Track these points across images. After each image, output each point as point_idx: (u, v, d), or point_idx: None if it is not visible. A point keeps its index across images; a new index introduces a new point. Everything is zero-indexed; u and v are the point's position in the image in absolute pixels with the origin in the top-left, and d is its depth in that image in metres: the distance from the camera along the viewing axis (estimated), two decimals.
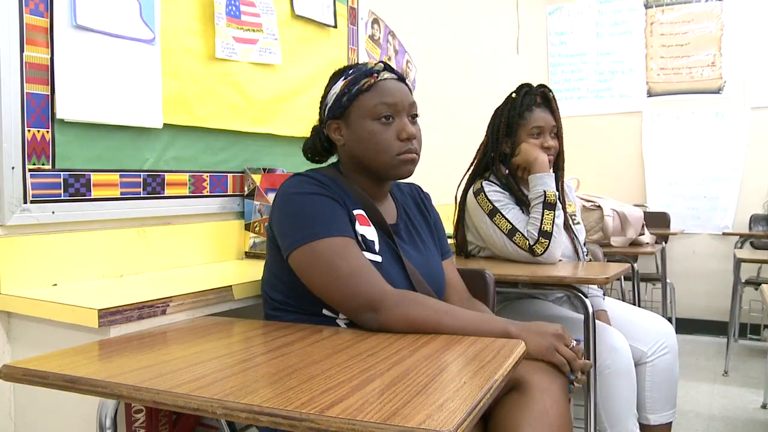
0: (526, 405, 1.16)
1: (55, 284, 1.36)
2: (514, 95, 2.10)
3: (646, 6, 4.62)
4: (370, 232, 1.29)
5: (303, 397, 0.74)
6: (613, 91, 4.75)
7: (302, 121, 2.04)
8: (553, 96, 2.08)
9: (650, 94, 4.62)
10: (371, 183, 1.36)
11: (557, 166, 2.10)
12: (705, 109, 4.47)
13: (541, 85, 2.09)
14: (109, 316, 1.09)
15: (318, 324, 1.23)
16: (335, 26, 2.24)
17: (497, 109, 2.15)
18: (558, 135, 2.08)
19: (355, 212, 1.29)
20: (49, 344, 1.21)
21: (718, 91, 4.44)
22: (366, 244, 1.27)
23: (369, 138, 1.28)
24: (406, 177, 1.33)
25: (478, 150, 2.20)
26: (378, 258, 1.27)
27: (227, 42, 1.76)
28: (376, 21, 2.59)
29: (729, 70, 4.41)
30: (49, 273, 1.35)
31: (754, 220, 4.29)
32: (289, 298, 1.28)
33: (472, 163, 2.21)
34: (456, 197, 2.19)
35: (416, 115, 1.34)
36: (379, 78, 1.31)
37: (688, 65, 4.51)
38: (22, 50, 1.30)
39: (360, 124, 1.30)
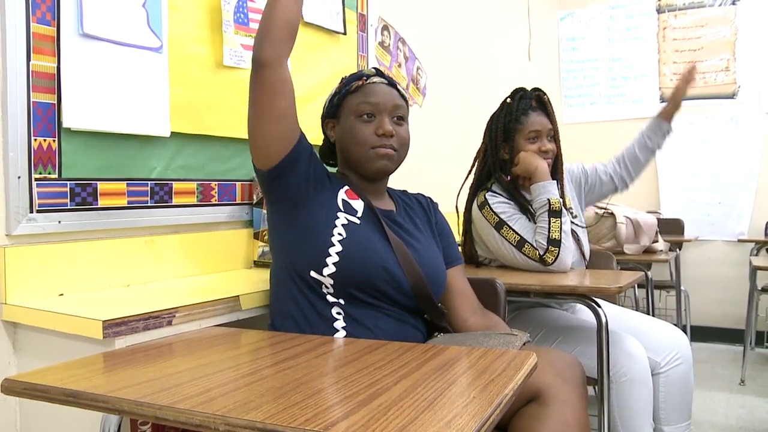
0: (547, 417, 1.14)
1: (62, 294, 1.35)
2: (509, 100, 2.09)
3: (659, 11, 4.59)
4: (356, 203, 1.36)
5: (307, 413, 0.72)
6: (625, 97, 4.70)
7: (311, 129, 2.00)
8: (548, 99, 2.06)
9: (663, 100, 4.57)
10: (360, 181, 1.42)
11: (555, 169, 2.07)
12: (719, 114, 4.42)
13: (536, 89, 2.07)
14: (114, 327, 1.08)
15: (309, 294, 1.28)
16: (344, 33, 2.23)
17: (493, 115, 2.13)
18: (555, 138, 2.05)
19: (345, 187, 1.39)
20: (55, 355, 1.21)
21: (732, 96, 4.39)
22: (346, 208, 1.33)
23: (350, 132, 1.39)
24: (383, 173, 1.40)
25: (476, 158, 2.17)
26: (357, 221, 1.32)
27: (235, 49, 1.76)
28: (386, 28, 2.58)
29: (743, 74, 4.36)
30: (55, 283, 1.34)
31: None
32: (289, 264, 1.30)
33: (469, 171, 2.18)
34: (456, 206, 2.16)
35: (401, 118, 1.41)
36: (368, 81, 1.42)
37: (702, 70, 4.46)
38: (28, 59, 1.30)
39: (346, 120, 1.41)
